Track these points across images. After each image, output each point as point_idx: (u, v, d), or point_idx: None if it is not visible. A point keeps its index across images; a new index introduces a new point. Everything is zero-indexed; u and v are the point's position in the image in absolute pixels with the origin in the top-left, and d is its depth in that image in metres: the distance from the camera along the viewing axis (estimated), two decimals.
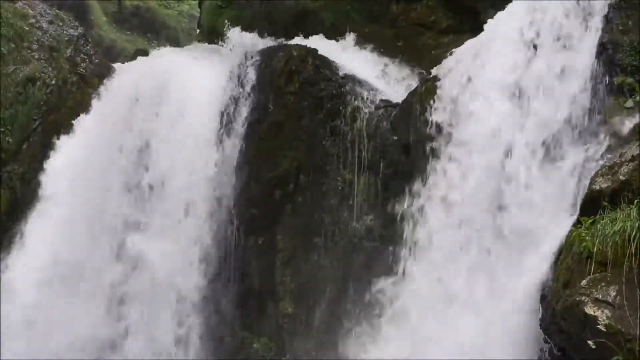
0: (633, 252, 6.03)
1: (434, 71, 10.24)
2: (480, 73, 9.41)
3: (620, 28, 8.10)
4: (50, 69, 12.49)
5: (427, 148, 9.80)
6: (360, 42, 12.66)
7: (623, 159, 6.86)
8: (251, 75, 11.55)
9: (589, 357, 5.97)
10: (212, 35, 14.74)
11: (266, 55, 11.65)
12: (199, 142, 11.36)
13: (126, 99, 12.11)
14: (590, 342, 5.87)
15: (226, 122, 11.40)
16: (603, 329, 5.79)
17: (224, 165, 11.28)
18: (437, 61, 10.49)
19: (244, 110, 11.39)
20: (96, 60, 13.30)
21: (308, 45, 11.64)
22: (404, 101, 10.74)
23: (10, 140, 11.88)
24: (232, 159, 11.27)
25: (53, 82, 12.41)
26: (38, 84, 12.24)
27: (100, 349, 11.23)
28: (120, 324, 11.26)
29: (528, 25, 8.95)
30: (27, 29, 12.66)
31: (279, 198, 11.12)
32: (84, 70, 12.97)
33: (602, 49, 8.16)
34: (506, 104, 8.82)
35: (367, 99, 11.06)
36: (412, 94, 10.57)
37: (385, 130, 10.67)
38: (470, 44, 9.95)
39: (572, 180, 7.81)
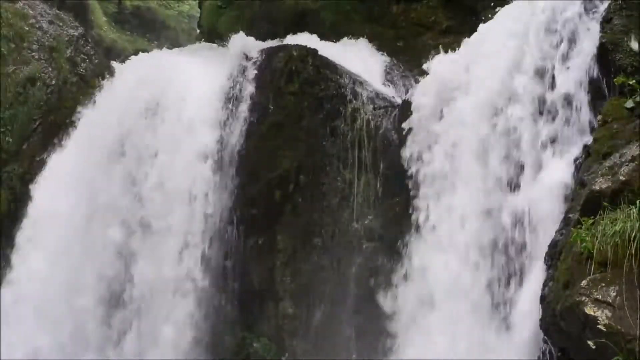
0: (633, 252, 6.02)
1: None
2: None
3: (621, 28, 8.10)
4: (50, 69, 12.50)
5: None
6: (361, 42, 12.68)
7: (623, 159, 6.86)
8: (251, 76, 11.56)
9: (589, 358, 5.97)
10: (212, 35, 14.77)
11: (266, 55, 11.65)
12: (198, 143, 11.36)
13: (126, 99, 12.12)
14: (590, 343, 5.86)
15: (226, 123, 11.41)
16: (603, 329, 5.79)
17: (224, 166, 11.28)
18: None
19: (244, 111, 11.40)
20: (96, 61, 13.31)
21: (308, 45, 11.65)
22: (404, 101, 10.75)
23: (10, 140, 11.88)
24: (232, 160, 11.28)
25: (53, 82, 12.42)
26: (38, 84, 12.24)
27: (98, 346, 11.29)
28: (120, 325, 11.27)
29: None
30: (27, 29, 12.66)
31: (279, 198, 11.12)
32: (84, 71, 12.98)
33: (602, 49, 8.16)
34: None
35: (367, 99, 11.07)
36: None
37: (385, 130, 10.68)
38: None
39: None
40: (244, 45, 11.99)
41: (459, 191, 9.10)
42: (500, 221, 8.52)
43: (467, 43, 9.83)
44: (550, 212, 7.88)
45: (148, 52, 14.29)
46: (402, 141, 10.13)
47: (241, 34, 12.24)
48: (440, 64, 10.15)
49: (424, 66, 10.43)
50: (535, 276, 7.63)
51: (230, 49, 12.17)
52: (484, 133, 8.87)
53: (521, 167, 8.53)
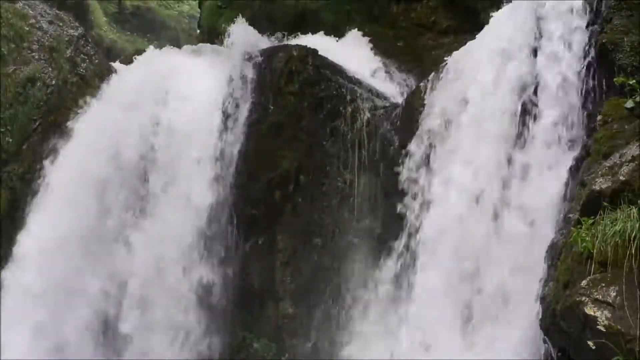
0: (633, 252, 6.02)
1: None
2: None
3: (621, 28, 8.10)
4: (50, 69, 12.47)
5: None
6: (361, 42, 12.68)
7: (623, 160, 6.85)
8: (251, 76, 11.55)
9: (589, 358, 5.97)
10: (212, 35, 14.75)
11: (266, 55, 11.65)
12: (198, 143, 11.36)
13: (126, 99, 12.11)
14: (590, 343, 5.86)
15: (226, 123, 11.41)
16: (603, 329, 5.79)
17: (224, 166, 11.28)
18: (437, 61, 10.51)
19: (244, 111, 11.40)
20: (96, 61, 13.29)
21: (308, 45, 11.64)
22: (404, 101, 10.75)
23: (10, 140, 11.87)
24: (232, 160, 11.28)
25: (53, 82, 12.39)
26: (38, 84, 12.23)
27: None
28: (119, 325, 11.27)
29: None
30: (27, 29, 12.65)
31: (279, 198, 11.13)
32: (84, 71, 12.95)
33: (602, 49, 8.17)
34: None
35: (367, 99, 11.06)
36: (412, 94, 10.58)
37: (386, 130, 10.68)
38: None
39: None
40: (245, 35, 11.98)
41: None
42: None
43: None
44: None
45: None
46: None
47: (241, 23, 12.20)
48: None
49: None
50: None
51: (229, 41, 12.14)
52: None
53: None
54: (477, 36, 9.87)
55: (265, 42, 12.38)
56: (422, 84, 10.37)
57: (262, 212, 11.17)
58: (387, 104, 11.10)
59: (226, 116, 11.43)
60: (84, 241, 11.39)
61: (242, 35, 12.06)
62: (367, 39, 12.85)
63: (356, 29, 12.98)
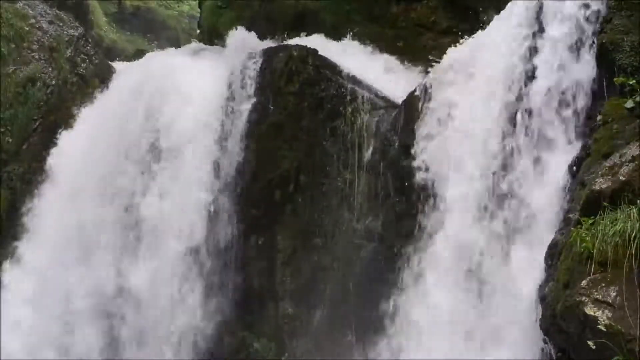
0: (633, 252, 6.03)
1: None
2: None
3: (621, 28, 8.11)
4: (50, 69, 12.51)
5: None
6: (361, 42, 12.68)
7: (623, 160, 6.86)
8: (251, 76, 11.55)
9: (589, 358, 5.98)
10: (212, 35, 14.77)
11: (266, 55, 11.65)
12: (199, 143, 11.36)
13: (126, 100, 12.11)
14: (590, 343, 5.87)
15: (226, 123, 11.41)
16: (603, 329, 5.80)
17: (224, 166, 11.28)
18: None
19: (244, 111, 11.40)
20: (96, 61, 13.33)
21: (308, 46, 11.64)
22: (404, 102, 10.75)
23: (10, 140, 11.89)
24: (232, 160, 11.28)
25: (53, 82, 12.43)
26: (38, 84, 12.25)
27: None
28: (118, 324, 11.27)
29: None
30: (27, 29, 12.68)
31: (279, 198, 11.13)
32: (84, 71, 13.00)
33: (602, 49, 8.17)
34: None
35: (367, 99, 11.07)
36: (412, 94, 10.57)
37: (386, 130, 10.68)
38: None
39: None
40: (243, 40, 11.97)
41: None
42: None
43: None
44: None
45: (147, 53, 14.29)
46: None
47: (241, 29, 12.18)
48: None
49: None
50: None
51: (229, 45, 12.15)
52: None
53: None
54: None
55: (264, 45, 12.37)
56: (422, 81, 10.38)
57: (262, 212, 11.17)
58: (387, 104, 11.09)
59: (226, 117, 11.41)
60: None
61: (242, 37, 12.06)
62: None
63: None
